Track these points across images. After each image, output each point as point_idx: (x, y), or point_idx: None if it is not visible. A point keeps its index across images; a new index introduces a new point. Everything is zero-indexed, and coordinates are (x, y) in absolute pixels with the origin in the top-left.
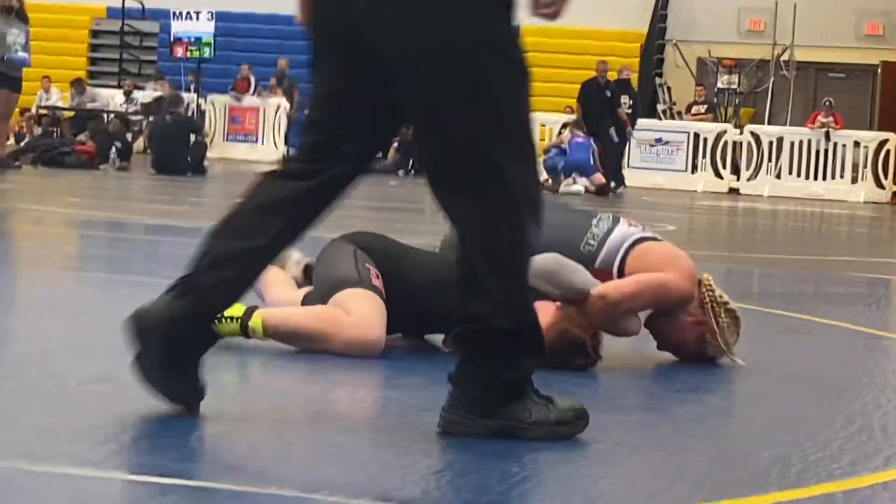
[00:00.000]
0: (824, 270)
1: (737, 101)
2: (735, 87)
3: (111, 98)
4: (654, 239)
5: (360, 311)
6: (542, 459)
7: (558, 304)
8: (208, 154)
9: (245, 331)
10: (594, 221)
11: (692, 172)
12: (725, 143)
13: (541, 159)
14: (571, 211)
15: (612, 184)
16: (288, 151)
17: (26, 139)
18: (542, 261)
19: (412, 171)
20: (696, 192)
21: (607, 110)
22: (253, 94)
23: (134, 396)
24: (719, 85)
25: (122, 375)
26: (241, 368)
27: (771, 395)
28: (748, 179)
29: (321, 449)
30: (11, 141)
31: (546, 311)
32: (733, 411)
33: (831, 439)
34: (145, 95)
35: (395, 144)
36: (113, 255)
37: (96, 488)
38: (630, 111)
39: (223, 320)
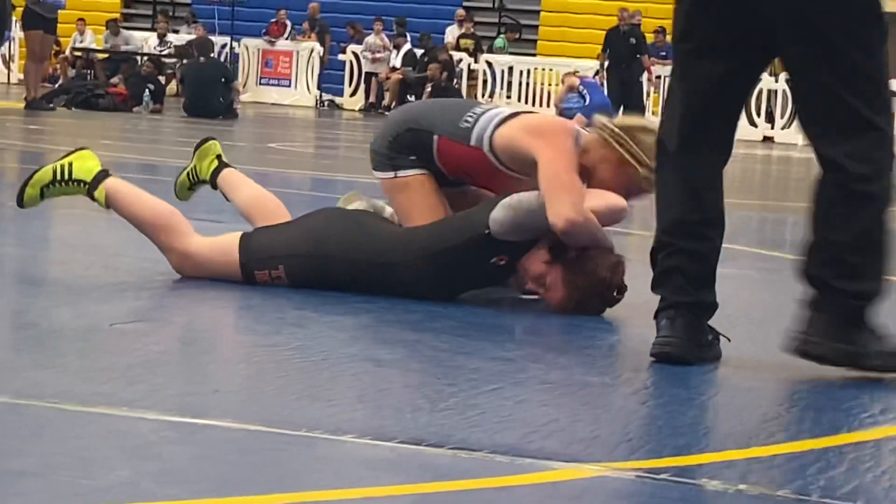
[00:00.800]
0: None
1: None
2: None
3: (145, 41)
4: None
5: (211, 241)
6: (570, 402)
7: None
8: (241, 98)
9: (91, 197)
10: (480, 106)
11: (752, 125)
12: (760, 91)
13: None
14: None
15: None
16: (321, 95)
17: (60, 81)
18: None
19: None
20: (757, 141)
21: (633, 57)
22: (286, 38)
23: (166, 337)
24: None
25: (154, 316)
26: (274, 311)
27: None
28: (783, 128)
29: (351, 392)
30: (46, 83)
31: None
32: (764, 360)
33: (862, 388)
34: (179, 38)
35: (429, 90)
36: None
37: (129, 427)
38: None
39: (70, 183)
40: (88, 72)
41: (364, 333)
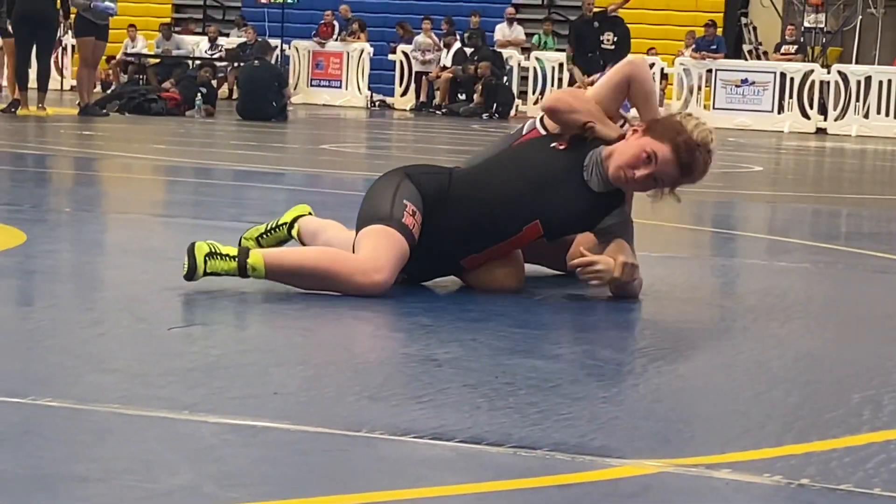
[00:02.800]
0: None
1: (824, 41)
2: (822, 26)
3: (196, 45)
4: None
5: (370, 251)
6: (630, 400)
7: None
8: (292, 99)
9: (243, 269)
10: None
11: (778, 113)
12: (812, 82)
13: None
14: None
15: None
16: (371, 96)
17: (113, 87)
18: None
19: (496, 115)
20: (782, 132)
21: (599, 44)
22: (336, 39)
23: (224, 340)
24: (806, 24)
25: (212, 319)
26: (330, 314)
27: (860, 337)
28: (836, 119)
29: (409, 391)
30: (98, 88)
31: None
32: (822, 353)
33: None
34: (230, 42)
35: (479, 87)
36: (200, 200)
37: (190, 431)
38: (613, 47)
39: (218, 256)
40: (141, 77)
41: (421, 333)
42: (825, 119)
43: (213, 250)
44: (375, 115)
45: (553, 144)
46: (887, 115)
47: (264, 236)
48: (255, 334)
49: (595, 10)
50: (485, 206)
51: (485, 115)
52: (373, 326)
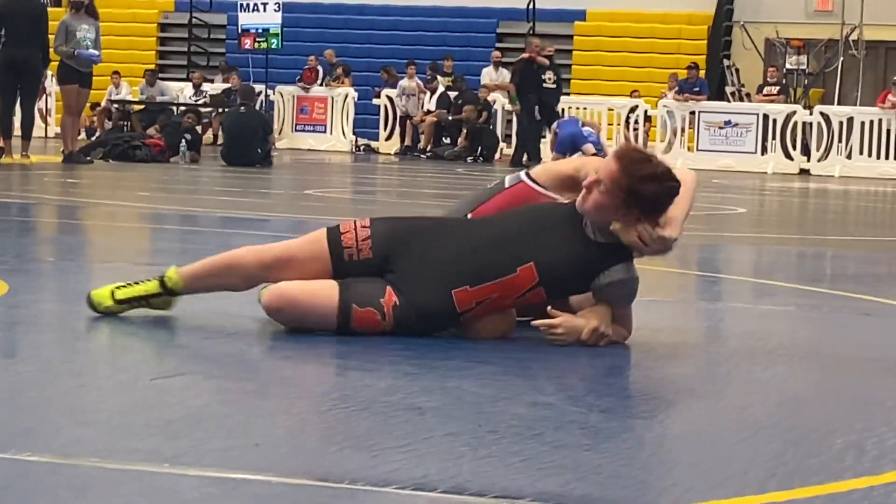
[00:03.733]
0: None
1: (806, 82)
2: (804, 67)
3: (180, 91)
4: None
5: (276, 246)
6: (613, 447)
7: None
8: (277, 144)
9: (163, 284)
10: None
11: (762, 154)
12: (795, 123)
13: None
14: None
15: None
16: (356, 140)
17: (97, 134)
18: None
19: (480, 158)
20: (766, 173)
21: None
22: (321, 84)
23: (207, 391)
24: (788, 66)
25: (194, 370)
26: (314, 361)
27: (844, 380)
28: (819, 160)
29: (393, 441)
30: (83, 136)
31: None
32: (805, 396)
33: None
34: (214, 88)
35: (464, 131)
36: (185, 248)
37: (171, 484)
38: (554, 86)
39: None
40: (125, 124)
41: (404, 381)
42: (808, 160)
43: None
44: (360, 159)
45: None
46: (870, 155)
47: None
48: (237, 384)
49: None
50: (480, 239)
51: (469, 159)
52: (356, 374)
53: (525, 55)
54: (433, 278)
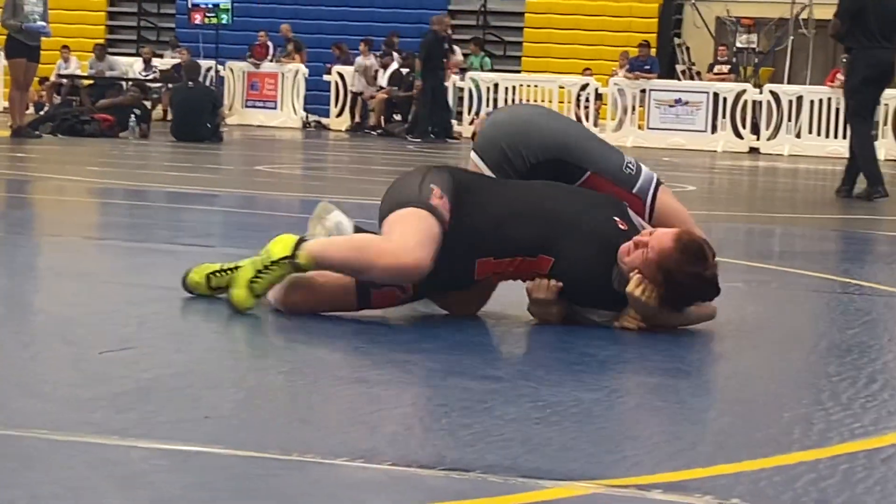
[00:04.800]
0: (846, 229)
1: (756, 61)
2: (754, 46)
3: (130, 66)
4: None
5: (400, 235)
6: (563, 420)
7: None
8: (227, 120)
9: (297, 269)
10: (617, 150)
11: (712, 132)
12: (745, 102)
13: None
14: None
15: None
16: (307, 117)
17: (45, 108)
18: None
19: (432, 136)
20: (715, 151)
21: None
22: (271, 60)
23: (157, 364)
24: (738, 44)
25: (144, 343)
26: (264, 335)
27: (792, 355)
28: (768, 139)
29: (343, 414)
30: (31, 110)
31: None
32: (754, 372)
33: (854, 398)
34: (164, 63)
35: (415, 108)
36: (133, 222)
37: (120, 456)
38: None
39: (270, 267)
40: (74, 98)
41: (354, 355)
42: (758, 138)
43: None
44: (311, 135)
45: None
46: (819, 134)
47: (217, 275)
48: (187, 358)
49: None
50: (524, 205)
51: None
52: (306, 349)
53: (434, 28)
54: (463, 246)
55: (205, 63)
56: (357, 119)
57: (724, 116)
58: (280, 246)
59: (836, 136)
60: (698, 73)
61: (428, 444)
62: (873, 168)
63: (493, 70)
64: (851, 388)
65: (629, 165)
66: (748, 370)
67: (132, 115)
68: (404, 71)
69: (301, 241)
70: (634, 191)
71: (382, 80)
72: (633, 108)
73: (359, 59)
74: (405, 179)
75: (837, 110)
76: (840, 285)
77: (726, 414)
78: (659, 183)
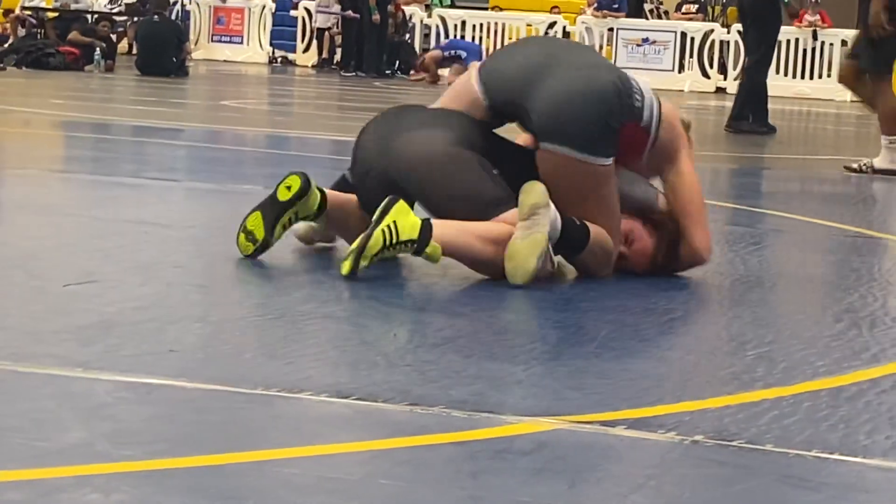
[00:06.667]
0: (811, 169)
1: (724, 0)
2: None
3: None
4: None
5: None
6: (529, 358)
7: None
8: (193, 55)
9: (420, 254)
10: (617, 69)
11: (679, 72)
12: (712, 42)
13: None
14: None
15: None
16: (273, 52)
17: (10, 41)
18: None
19: (398, 72)
20: (682, 91)
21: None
22: None
23: (120, 297)
24: None
25: (107, 276)
26: (229, 270)
27: (755, 294)
28: (735, 79)
29: (307, 349)
30: None
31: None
32: (719, 311)
33: (817, 337)
34: None
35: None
36: (98, 156)
37: (83, 389)
38: None
39: (399, 246)
40: (38, 31)
41: (320, 290)
42: (725, 78)
43: (390, 243)
44: (277, 71)
45: None
46: (786, 75)
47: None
48: (151, 291)
49: None
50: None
51: (387, 72)
52: (271, 284)
53: None
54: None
55: None
56: (324, 55)
57: (691, 56)
58: (405, 222)
59: (802, 77)
60: (666, 13)
61: (392, 379)
62: None
63: (456, 6)
64: (816, 327)
65: (636, 96)
66: (711, 309)
67: (97, 49)
68: None
69: (427, 225)
70: (642, 123)
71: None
72: (601, 47)
73: None
74: (464, 174)
75: (804, 51)
76: (805, 225)
77: (691, 352)
78: (660, 104)
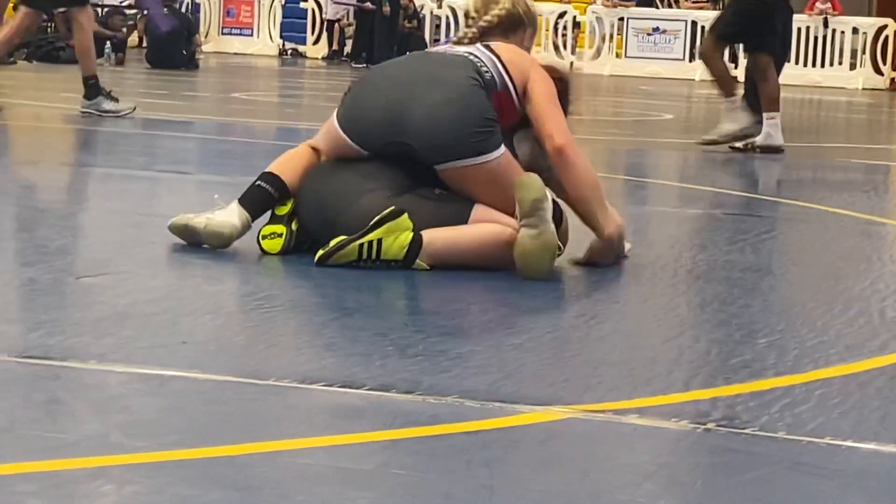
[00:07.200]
0: (822, 157)
1: None
2: None
3: None
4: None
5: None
6: (540, 347)
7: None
8: (203, 48)
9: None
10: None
11: (690, 61)
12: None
13: None
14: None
15: None
16: (283, 44)
17: None
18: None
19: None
20: (693, 80)
21: None
22: None
23: (133, 289)
24: None
25: (120, 268)
26: (240, 262)
27: (766, 282)
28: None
29: (320, 340)
30: None
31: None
32: (730, 299)
33: (829, 325)
34: None
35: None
36: (109, 149)
37: (97, 381)
38: None
39: (379, 263)
40: (49, 24)
41: (332, 282)
42: (735, 67)
43: (367, 256)
44: (287, 63)
45: None
46: (797, 63)
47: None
48: (164, 283)
49: None
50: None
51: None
52: (283, 275)
53: None
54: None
55: None
56: (334, 47)
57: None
58: (392, 244)
59: (814, 65)
60: (676, 2)
61: (405, 369)
62: None
63: None
64: (827, 315)
65: (483, 69)
66: (723, 297)
67: (107, 42)
68: None
69: (415, 245)
70: (499, 89)
71: None
72: (611, 37)
73: None
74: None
75: (815, 38)
76: (816, 213)
77: (702, 340)
78: (503, 63)
